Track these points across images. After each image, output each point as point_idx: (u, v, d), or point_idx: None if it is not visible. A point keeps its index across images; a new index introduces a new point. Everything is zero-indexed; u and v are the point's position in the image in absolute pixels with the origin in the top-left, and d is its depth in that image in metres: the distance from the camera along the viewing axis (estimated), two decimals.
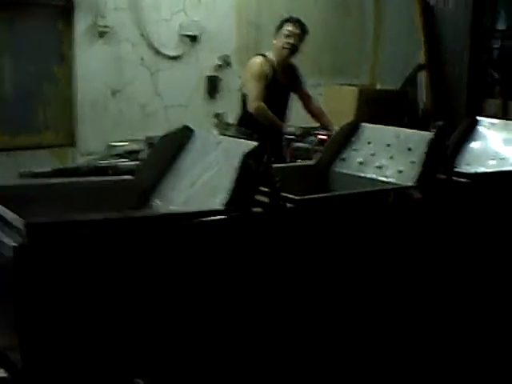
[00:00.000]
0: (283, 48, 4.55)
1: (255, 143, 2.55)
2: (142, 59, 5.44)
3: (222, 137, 3.07)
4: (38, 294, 2.03)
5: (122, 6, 5.27)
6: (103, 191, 2.73)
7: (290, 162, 4.32)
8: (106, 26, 5.17)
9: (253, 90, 4.52)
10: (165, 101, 5.54)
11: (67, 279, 2.06)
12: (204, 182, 2.67)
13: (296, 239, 2.54)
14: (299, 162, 4.14)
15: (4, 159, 4.79)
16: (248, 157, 2.49)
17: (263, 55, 4.61)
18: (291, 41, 4.53)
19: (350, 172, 3.42)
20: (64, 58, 5.09)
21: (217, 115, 5.73)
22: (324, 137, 4.34)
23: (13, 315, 2.06)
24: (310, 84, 5.07)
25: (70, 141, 5.26)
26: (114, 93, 5.37)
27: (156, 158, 2.90)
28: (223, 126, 5.68)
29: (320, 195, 2.81)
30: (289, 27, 4.54)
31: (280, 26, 4.57)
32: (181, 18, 5.55)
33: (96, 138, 5.19)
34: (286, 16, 4.66)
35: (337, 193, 3.03)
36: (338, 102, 5.96)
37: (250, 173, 2.49)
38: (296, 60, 4.71)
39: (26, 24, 4.89)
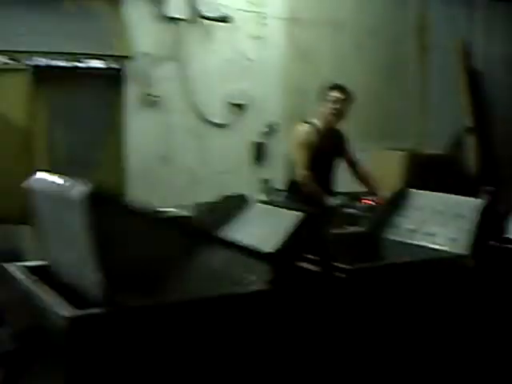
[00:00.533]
0: (329, 114, 4.60)
1: (306, 211, 2.56)
2: (190, 127, 5.54)
3: (273, 205, 3.04)
4: (91, 364, 2.03)
5: (171, 75, 5.41)
6: None
7: (339, 228, 4.27)
8: (155, 95, 5.31)
9: (298, 159, 4.58)
10: (213, 167, 5.60)
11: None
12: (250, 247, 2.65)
13: (348, 309, 2.49)
14: (348, 229, 4.09)
15: None
16: (299, 224, 2.49)
17: (309, 122, 4.66)
18: (337, 106, 4.58)
19: (400, 239, 3.37)
20: (115, 125, 5.21)
21: (264, 181, 5.75)
22: (372, 202, 4.30)
23: None
24: (358, 149, 5.07)
25: None
26: (163, 160, 5.46)
27: (206, 221, 2.92)
28: (271, 192, 5.70)
29: (373, 264, 2.77)
30: (334, 93, 4.60)
31: (325, 93, 4.64)
32: (228, 86, 5.67)
33: (146, 205, 5.24)
34: (331, 83, 4.72)
35: (389, 261, 2.97)
36: (385, 166, 5.92)
37: (299, 240, 2.48)
38: (343, 125, 4.73)
39: (79, 92, 5.04)
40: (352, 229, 4.01)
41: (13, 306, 2.67)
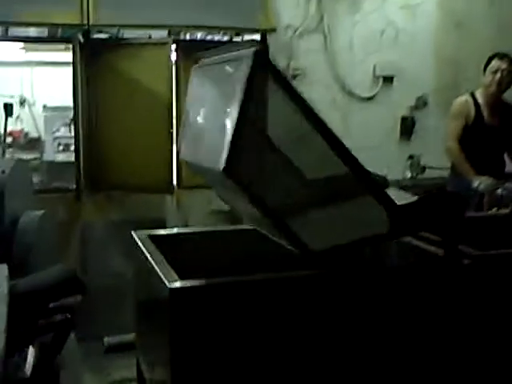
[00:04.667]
0: (490, 85, 4.38)
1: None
2: (334, 101, 5.38)
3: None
4: (190, 334, 2.04)
5: (315, 47, 5.27)
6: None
7: (485, 211, 3.99)
8: (298, 69, 5.21)
9: (448, 129, 4.48)
10: (356, 142, 5.35)
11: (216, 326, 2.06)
12: None
13: (470, 300, 2.28)
14: (493, 211, 3.80)
15: (198, 195, 4.96)
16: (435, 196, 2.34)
17: (471, 93, 4.49)
18: (499, 76, 4.34)
19: None
20: None
21: (411, 157, 5.50)
22: None
23: (167, 352, 2.08)
24: None
25: None
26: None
27: None
28: (417, 169, 5.45)
29: (505, 251, 2.51)
30: (496, 63, 4.36)
31: (487, 63, 4.42)
32: (376, 58, 5.42)
33: None
34: (494, 52, 4.47)
35: None
36: None
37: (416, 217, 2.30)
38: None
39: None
40: (498, 211, 3.74)
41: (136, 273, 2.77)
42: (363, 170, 2.15)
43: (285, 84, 1.99)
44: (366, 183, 2.18)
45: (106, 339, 4.44)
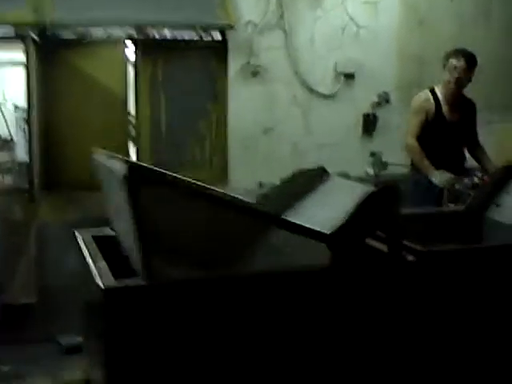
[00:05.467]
0: (449, 82, 4.36)
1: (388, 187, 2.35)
2: (295, 98, 5.35)
3: (355, 182, 2.82)
4: (126, 335, 1.98)
5: (276, 44, 5.23)
6: None
7: (442, 206, 3.98)
8: (258, 66, 5.16)
9: (408, 125, 4.45)
10: (317, 139, 5.38)
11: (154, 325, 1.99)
12: (318, 219, 2.47)
13: (414, 298, 2.24)
14: (449, 207, 3.78)
15: None
16: (370, 198, 2.28)
17: (431, 89, 4.47)
18: (456, 74, 4.33)
19: (503, 220, 3.04)
20: (218, 96, 5.14)
21: (373, 154, 5.47)
22: (477, 179, 3.97)
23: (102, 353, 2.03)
24: (482, 121, 4.72)
25: (224, 178, 5.28)
26: (265, 131, 5.31)
27: (282, 192, 2.78)
28: (379, 166, 5.43)
29: (450, 247, 2.47)
30: (454, 60, 4.34)
31: (446, 59, 4.39)
32: (337, 55, 5.39)
33: (247, 176, 5.18)
34: (453, 49, 4.45)
35: (470, 245, 2.65)
36: (509, 141, 5.48)
37: (366, 217, 2.25)
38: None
39: (181, 63, 5.01)
40: (453, 207, 3.74)
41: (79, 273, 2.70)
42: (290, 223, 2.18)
43: (167, 186, 2.03)
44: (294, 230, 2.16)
45: (64, 340, 4.35)
